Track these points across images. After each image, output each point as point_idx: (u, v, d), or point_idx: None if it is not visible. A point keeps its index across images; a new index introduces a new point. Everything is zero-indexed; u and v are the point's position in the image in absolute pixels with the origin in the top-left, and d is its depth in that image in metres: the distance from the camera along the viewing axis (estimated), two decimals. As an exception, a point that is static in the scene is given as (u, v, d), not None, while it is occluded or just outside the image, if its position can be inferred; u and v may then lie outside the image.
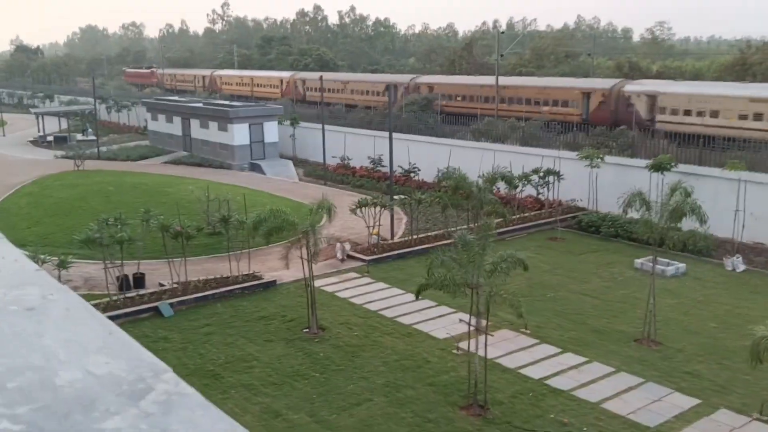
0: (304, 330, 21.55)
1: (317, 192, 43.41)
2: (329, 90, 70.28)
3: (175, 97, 71.20)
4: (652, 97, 48.41)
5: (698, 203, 19.51)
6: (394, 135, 46.73)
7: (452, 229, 31.13)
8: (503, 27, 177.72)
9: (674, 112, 46.52)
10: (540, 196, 35.92)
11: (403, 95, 65.41)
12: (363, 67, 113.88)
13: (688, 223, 21.44)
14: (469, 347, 16.96)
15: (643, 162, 33.83)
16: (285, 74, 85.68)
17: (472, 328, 16.47)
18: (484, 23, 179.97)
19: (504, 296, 15.42)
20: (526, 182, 32.64)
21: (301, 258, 21.85)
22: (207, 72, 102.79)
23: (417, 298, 18.05)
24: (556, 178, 34.15)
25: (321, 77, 56.02)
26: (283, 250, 25.40)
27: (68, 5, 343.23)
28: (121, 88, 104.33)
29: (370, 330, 21.46)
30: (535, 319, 21.59)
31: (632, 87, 50.88)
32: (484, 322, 16.59)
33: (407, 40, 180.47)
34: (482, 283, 15.91)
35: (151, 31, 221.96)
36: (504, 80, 59.65)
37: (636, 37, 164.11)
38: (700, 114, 44.90)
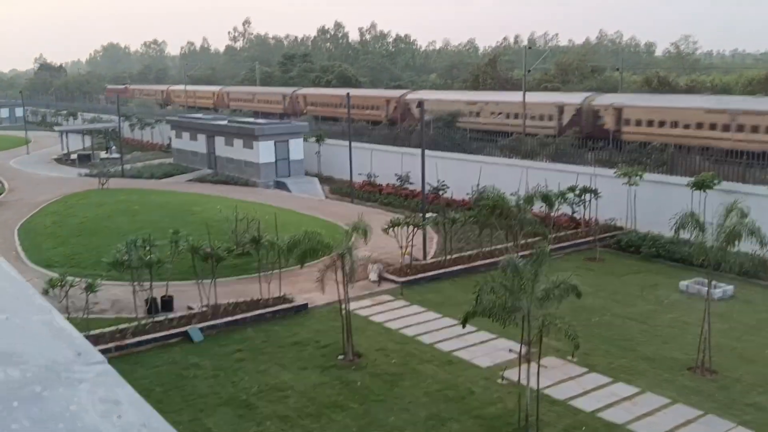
0: (339, 357, 20.68)
1: (344, 210, 42.86)
2: (336, 105, 71.48)
3: (200, 115, 70.97)
4: (618, 110, 51.62)
5: (757, 225, 18.45)
6: (418, 151, 46.13)
7: (501, 251, 30.26)
8: (524, 42, 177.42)
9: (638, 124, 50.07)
10: (575, 215, 34.91)
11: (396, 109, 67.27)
12: (385, 83, 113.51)
13: (743, 245, 20.35)
14: (519, 379, 16.01)
15: (684, 179, 32.71)
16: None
17: (523, 359, 15.51)
18: (505, 39, 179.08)
19: (559, 326, 14.47)
20: (562, 200, 31.62)
21: (336, 281, 21.03)
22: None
23: (463, 327, 17.09)
24: (592, 196, 33.14)
25: (339, 92, 55.34)
26: (315, 272, 24.71)
27: (91, 24, 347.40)
28: (144, 105, 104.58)
29: (408, 357, 20.54)
30: (581, 345, 20.53)
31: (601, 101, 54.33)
32: (534, 352, 15.62)
33: (428, 56, 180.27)
34: (533, 311, 14.97)
35: (173, 49, 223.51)
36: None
37: (659, 52, 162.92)
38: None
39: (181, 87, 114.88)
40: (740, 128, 44.51)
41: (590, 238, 32.62)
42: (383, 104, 71.86)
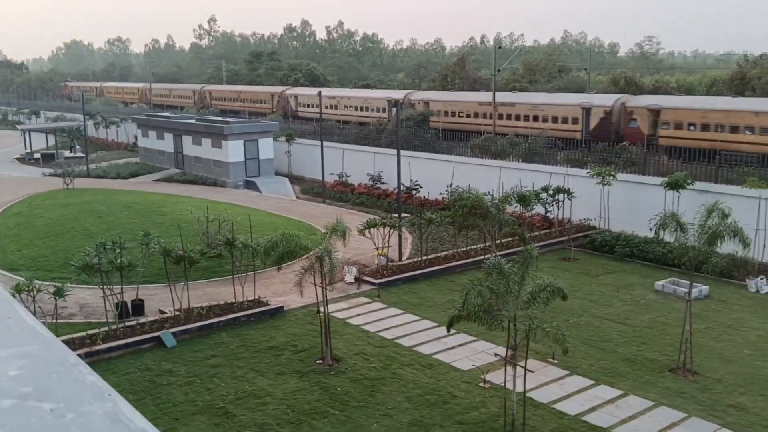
0: (318, 361, 20.25)
1: (317, 210, 42.36)
2: (326, 106, 69.86)
3: (166, 113, 69.78)
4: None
5: (739, 225, 18.45)
6: (392, 151, 45.77)
7: (476, 251, 30.03)
8: (491, 42, 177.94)
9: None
10: (548, 215, 34.90)
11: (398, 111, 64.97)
12: (353, 82, 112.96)
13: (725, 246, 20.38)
14: (505, 383, 15.76)
15: (657, 180, 32.86)
16: (276, 89, 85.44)
17: (508, 363, 15.25)
18: (471, 39, 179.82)
19: (547, 330, 14.23)
20: (536, 201, 31.55)
21: (314, 284, 20.60)
22: (197, 87, 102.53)
23: (448, 331, 16.79)
24: (566, 196, 33.15)
25: (320, 93, 54.85)
26: (289, 273, 24.27)
27: (53, 21, 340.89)
28: (108, 103, 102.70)
29: (388, 361, 20.19)
30: (554, 344, 20.40)
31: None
32: (519, 355, 15.38)
33: (395, 56, 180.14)
34: (519, 314, 14.72)
35: (137, 47, 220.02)
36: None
37: (622, 52, 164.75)
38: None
39: (114, 84, 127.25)
40: None
41: (564, 238, 32.60)
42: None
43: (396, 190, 42.91)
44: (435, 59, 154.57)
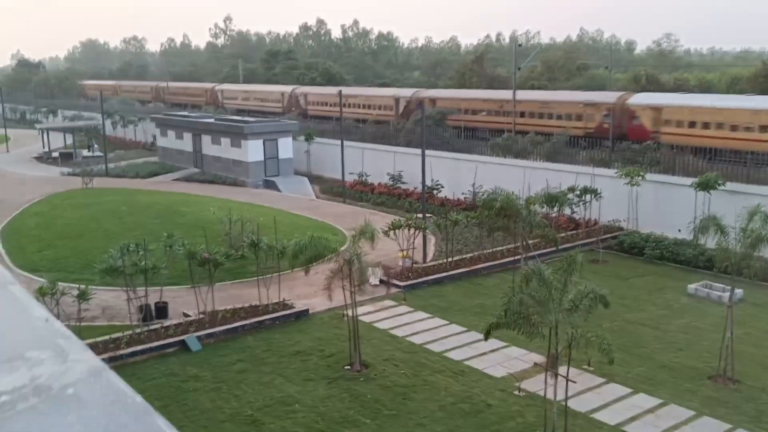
0: (346, 367, 19.80)
1: (337, 209, 41.93)
2: (334, 105, 69.47)
3: (185, 113, 69.64)
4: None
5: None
6: (412, 150, 45.34)
7: (503, 252, 29.46)
8: (506, 40, 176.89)
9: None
10: (575, 215, 34.28)
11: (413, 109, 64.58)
12: (370, 81, 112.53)
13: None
14: (545, 393, 15.23)
15: (688, 180, 32.14)
16: (286, 88, 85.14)
17: (549, 371, 14.72)
18: (487, 36, 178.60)
19: (591, 338, 13.70)
20: (564, 202, 30.93)
21: (343, 287, 20.14)
22: (209, 86, 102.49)
23: (486, 339, 16.27)
24: (593, 196, 32.51)
25: (340, 92, 54.49)
26: (313, 275, 23.80)
27: (69, 19, 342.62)
28: (126, 102, 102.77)
29: (418, 367, 19.69)
30: (596, 353, 19.81)
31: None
32: (562, 366, 14.85)
33: (410, 54, 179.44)
34: (561, 323, 14.18)
35: (153, 46, 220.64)
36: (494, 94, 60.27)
37: (639, 50, 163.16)
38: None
39: (130, 82, 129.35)
40: None
41: (591, 240, 31.97)
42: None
43: (416, 190, 42.60)
44: (450, 57, 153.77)
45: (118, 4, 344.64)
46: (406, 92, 68.89)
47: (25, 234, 34.84)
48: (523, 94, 58.31)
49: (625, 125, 49.66)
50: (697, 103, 47.42)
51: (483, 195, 26.36)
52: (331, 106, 71.00)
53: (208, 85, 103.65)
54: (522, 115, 55.50)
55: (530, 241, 29.71)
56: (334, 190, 47.52)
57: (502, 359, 20.16)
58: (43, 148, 66.91)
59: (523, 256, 24.50)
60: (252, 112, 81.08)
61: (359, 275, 19.18)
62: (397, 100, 67.33)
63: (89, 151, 66.57)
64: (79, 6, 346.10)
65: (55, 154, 64.31)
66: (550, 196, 28.43)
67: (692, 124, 45.45)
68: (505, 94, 58.99)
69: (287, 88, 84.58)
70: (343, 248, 27.75)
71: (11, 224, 37.33)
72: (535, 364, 17.64)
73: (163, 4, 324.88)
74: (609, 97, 53.04)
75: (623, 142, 45.95)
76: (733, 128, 43.23)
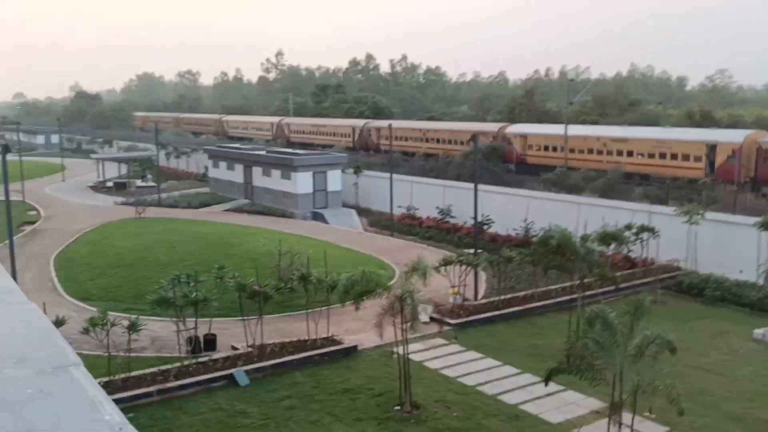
0: (396, 407, 19.24)
1: (385, 243, 41.60)
2: (404, 138, 69.23)
3: (237, 145, 70.57)
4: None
5: None
6: (463, 184, 44.95)
7: (557, 291, 28.64)
8: (555, 74, 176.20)
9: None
10: (630, 254, 33.28)
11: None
12: (418, 115, 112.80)
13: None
14: (607, 444, 14.46)
15: (750, 219, 31.00)
16: (358, 122, 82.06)
17: (612, 420, 13.98)
18: (536, 71, 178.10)
19: (659, 387, 12.96)
20: (623, 240, 30.01)
21: (394, 325, 19.67)
22: (275, 119, 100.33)
23: (546, 384, 15.61)
24: (650, 234, 31.56)
25: (390, 125, 54.65)
26: (362, 310, 23.35)
27: (125, 53, 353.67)
28: (180, 134, 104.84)
29: (471, 410, 19.02)
30: (657, 399, 18.90)
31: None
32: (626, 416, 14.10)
33: (458, 88, 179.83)
34: (626, 369, 13.47)
35: (206, 79, 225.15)
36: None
37: (690, 85, 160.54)
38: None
39: (190, 115, 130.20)
40: None
41: (648, 280, 30.93)
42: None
43: (465, 224, 42.07)
44: (499, 91, 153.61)
45: (175, 40, 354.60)
46: (492, 127, 64.50)
47: (78, 262, 35.29)
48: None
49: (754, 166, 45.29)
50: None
51: (535, 231, 25.65)
52: (408, 140, 69.31)
53: (275, 119, 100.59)
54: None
55: (586, 280, 28.90)
56: (381, 223, 47.27)
57: (559, 404, 19.37)
58: (98, 177, 68.40)
59: (580, 295, 23.69)
60: (322, 146, 77.82)
61: (411, 313, 18.68)
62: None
63: (142, 181, 67.84)
64: (137, 40, 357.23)
65: (110, 184, 65.65)
66: (607, 234, 27.60)
67: None
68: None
69: (359, 122, 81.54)
70: (391, 282, 27.38)
71: (65, 252, 37.92)
72: (597, 412, 16.84)
73: (217, 40, 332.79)
74: (735, 135, 47.83)
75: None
76: None
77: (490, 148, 57.82)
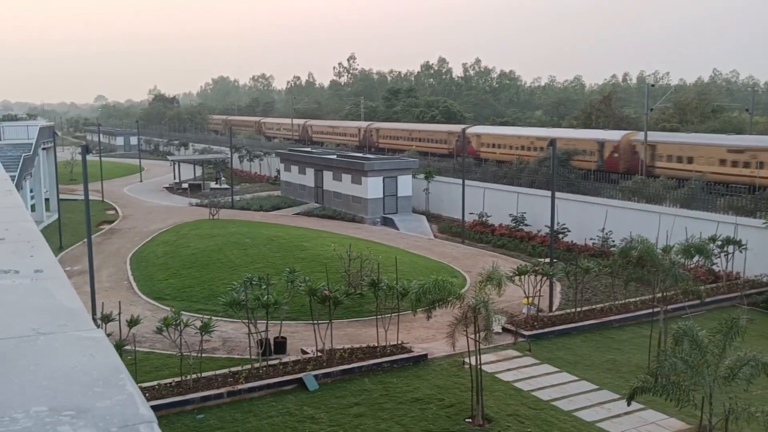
0: (467, 420, 18.70)
1: (455, 251, 41.01)
2: (490, 145, 68.34)
3: (309, 149, 71.11)
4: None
5: None
6: (538, 191, 43.94)
7: (636, 304, 27.56)
8: (633, 80, 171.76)
9: None
10: (714, 267, 31.77)
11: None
12: (491, 119, 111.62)
13: None
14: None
15: None
16: (454, 128, 78.45)
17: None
18: (613, 76, 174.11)
19: (756, 414, 12.08)
20: (708, 253, 28.63)
21: (466, 335, 19.16)
22: (364, 124, 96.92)
23: (629, 404, 14.84)
24: (736, 247, 30.06)
25: (464, 130, 53.88)
26: (433, 319, 22.89)
27: (202, 58, 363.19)
28: (252, 137, 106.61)
29: (546, 426, 18.32)
30: (755, 428, 17.81)
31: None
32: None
33: (532, 93, 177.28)
34: (716, 392, 12.62)
35: (279, 83, 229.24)
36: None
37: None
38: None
39: (272, 120, 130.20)
40: None
41: (733, 295, 29.45)
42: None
43: (540, 233, 41.07)
44: (574, 97, 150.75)
45: (251, 45, 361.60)
46: (614, 135, 60.28)
47: (152, 262, 35.97)
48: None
49: None
50: None
51: (613, 241, 24.65)
52: (514, 149, 65.98)
53: (362, 124, 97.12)
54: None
55: (665, 293, 27.69)
56: (452, 229, 46.65)
57: (638, 423, 18.46)
58: (174, 179, 70.00)
59: (662, 309, 22.63)
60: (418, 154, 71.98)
61: (485, 323, 18.14)
62: (602, 144, 59.35)
63: (216, 183, 69.11)
64: (214, 45, 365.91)
65: (185, 185, 67.08)
66: (692, 245, 26.34)
67: None
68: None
69: (455, 128, 77.16)
70: (463, 290, 26.84)
71: (141, 251, 38.74)
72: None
73: (292, 45, 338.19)
74: None
75: None
76: None
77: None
